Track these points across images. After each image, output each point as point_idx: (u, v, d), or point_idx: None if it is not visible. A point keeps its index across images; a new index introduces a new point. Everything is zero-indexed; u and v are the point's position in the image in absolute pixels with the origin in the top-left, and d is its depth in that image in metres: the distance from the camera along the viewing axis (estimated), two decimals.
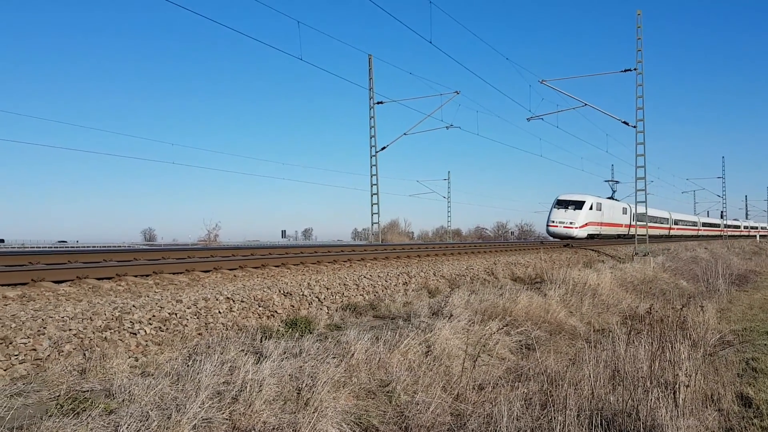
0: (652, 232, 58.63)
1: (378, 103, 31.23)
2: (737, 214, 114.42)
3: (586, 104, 29.89)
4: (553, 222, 42.73)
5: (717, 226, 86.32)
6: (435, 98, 31.46)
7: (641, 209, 31.71)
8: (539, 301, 10.53)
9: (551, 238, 44.45)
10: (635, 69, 27.92)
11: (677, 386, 5.72)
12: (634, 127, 28.53)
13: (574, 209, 42.64)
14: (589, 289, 12.69)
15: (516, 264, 19.21)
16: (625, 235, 50.37)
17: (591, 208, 43.06)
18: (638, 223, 36.08)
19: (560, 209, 43.31)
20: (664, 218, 64.35)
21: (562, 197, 43.72)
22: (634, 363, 6.26)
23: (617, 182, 55.28)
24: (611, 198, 50.34)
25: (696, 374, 6.17)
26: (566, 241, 38.63)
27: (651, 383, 5.62)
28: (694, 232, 76.47)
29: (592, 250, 29.70)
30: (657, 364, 6.11)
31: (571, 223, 41.73)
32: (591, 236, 42.96)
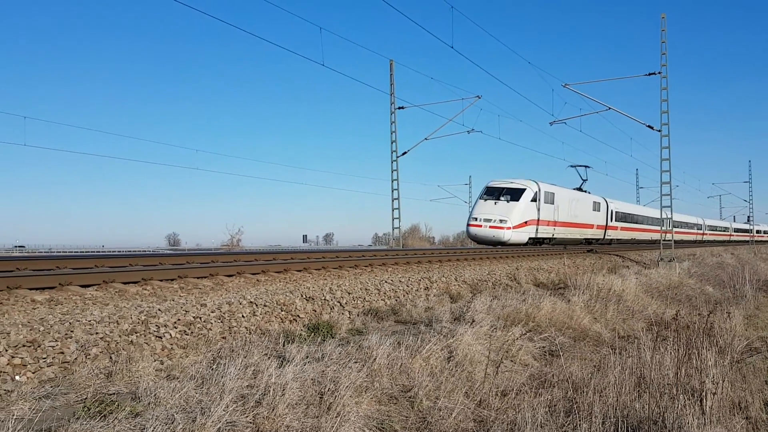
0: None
1: (399, 108, 31.26)
2: (764, 219, 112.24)
3: (610, 108, 29.59)
4: (475, 220, 29.20)
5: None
6: (456, 103, 31.30)
7: (668, 214, 30.95)
8: (563, 306, 10.44)
9: (473, 244, 31.46)
10: (659, 73, 27.61)
11: (704, 393, 5.62)
12: (659, 131, 28.19)
13: (509, 201, 29.21)
14: (614, 294, 12.54)
15: (538, 269, 19.06)
16: (598, 240, 39.37)
17: (534, 200, 29.77)
18: (668, 228, 30.84)
19: (488, 200, 29.65)
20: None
21: (493, 183, 30.51)
22: (660, 370, 6.17)
23: (587, 167, 39.58)
24: (579, 189, 38.08)
25: (723, 381, 6.06)
26: (590, 246, 36.02)
27: (677, 390, 5.54)
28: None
29: (617, 256, 29.35)
30: (683, 370, 6.02)
31: (501, 221, 28.29)
32: (536, 241, 31.01)
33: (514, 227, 28.28)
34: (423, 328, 8.23)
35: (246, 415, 4.50)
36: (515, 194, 29.12)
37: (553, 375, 6.51)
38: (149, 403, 4.61)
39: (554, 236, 32.98)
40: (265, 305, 8.46)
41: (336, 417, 4.64)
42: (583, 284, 13.04)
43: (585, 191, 38.29)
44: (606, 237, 41.48)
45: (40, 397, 4.67)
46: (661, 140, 28.15)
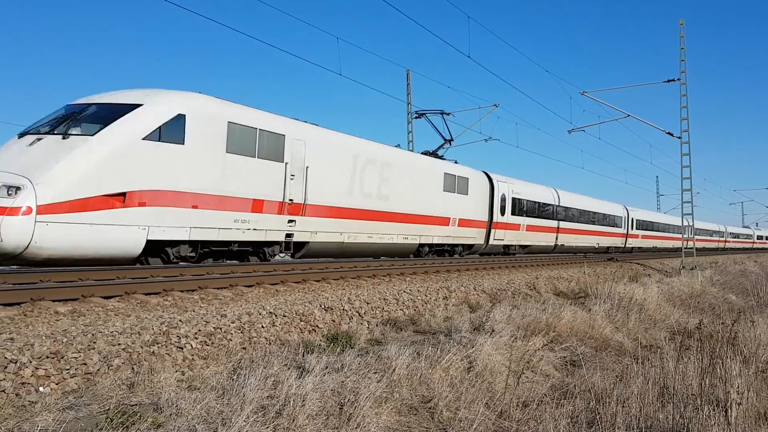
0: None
1: (416, 117, 31.25)
2: None
3: (629, 115, 29.35)
4: None
5: None
6: (474, 111, 30.96)
7: (689, 221, 30.43)
8: (584, 316, 10.34)
9: None
10: (678, 79, 27.35)
11: (729, 404, 5.53)
12: (679, 137, 27.90)
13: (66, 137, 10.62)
14: (636, 303, 12.40)
15: (558, 278, 18.92)
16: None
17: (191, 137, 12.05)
18: (689, 236, 30.39)
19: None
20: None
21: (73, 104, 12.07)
22: (684, 380, 6.09)
23: (444, 114, 25.60)
24: (436, 155, 24.21)
25: (748, 391, 5.96)
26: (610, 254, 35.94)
27: (701, 401, 5.45)
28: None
29: (638, 264, 29.02)
30: (707, 380, 5.93)
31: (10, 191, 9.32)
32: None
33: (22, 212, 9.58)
34: (442, 338, 8.20)
35: (266, 426, 4.51)
36: (101, 119, 11.45)
37: (574, 385, 6.45)
38: (171, 414, 4.64)
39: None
40: (284, 315, 8.49)
41: (356, 428, 4.64)
42: (603, 293, 12.92)
43: (439, 155, 24.38)
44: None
45: (63, 408, 4.72)
46: (681, 147, 27.86)
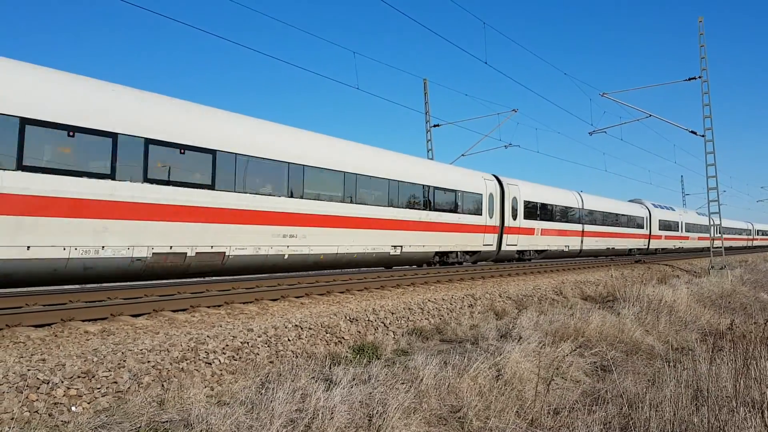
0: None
1: (435, 125, 31.26)
2: None
3: (650, 115, 29.04)
4: None
5: None
6: (492, 118, 30.81)
7: (716, 220, 29.80)
8: (612, 320, 10.20)
9: None
10: (700, 77, 27.02)
11: (765, 405, 5.41)
12: (702, 136, 27.52)
13: None
14: (665, 306, 12.21)
15: (585, 282, 18.70)
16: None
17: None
18: (715, 234, 30.54)
19: None
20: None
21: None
22: (717, 382, 5.96)
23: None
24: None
25: None
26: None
27: (737, 403, 5.34)
28: None
29: (666, 265, 28.59)
30: (742, 382, 5.80)
31: None
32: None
33: None
34: (469, 346, 8.14)
35: None
36: None
37: (606, 391, 6.35)
38: (201, 430, 4.66)
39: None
40: (310, 328, 8.50)
41: None
42: (632, 296, 12.74)
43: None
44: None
45: (95, 427, 4.77)
46: (705, 145, 27.46)
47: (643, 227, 39.21)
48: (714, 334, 9.31)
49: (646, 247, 39.75)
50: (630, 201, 40.73)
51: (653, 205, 41.81)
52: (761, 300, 16.37)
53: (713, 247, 29.77)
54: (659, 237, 41.46)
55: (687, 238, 46.51)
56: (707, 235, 45.36)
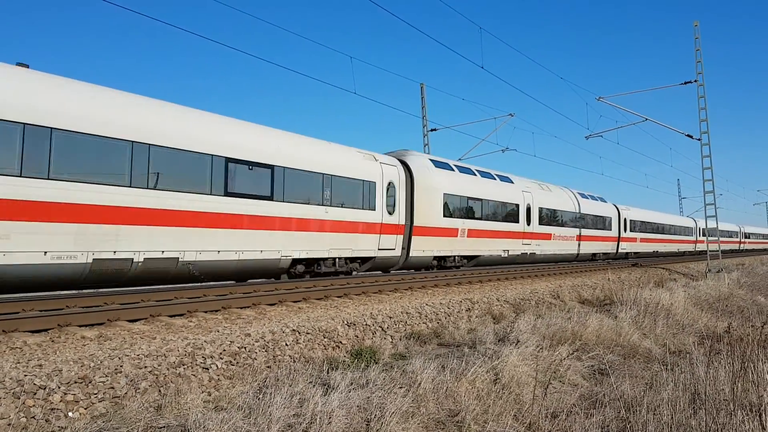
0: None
1: (432, 130, 31.29)
2: None
3: (647, 119, 29.13)
4: None
5: None
6: (489, 122, 30.82)
7: (712, 223, 29.61)
8: (610, 323, 10.21)
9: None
10: (696, 81, 27.12)
11: (763, 408, 5.41)
12: (699, 140, 27.60)
13: None
14: (662, 309, 12.22)
15: (582, 286, 18.72)
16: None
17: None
18: (699, 237, 29.48)
19: None
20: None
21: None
22: (715, 385, 5.97)
23: None
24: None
25: None
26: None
27: (734, 406, 5.34)
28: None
29: (663, 269, 28.64)
30: (739, 385, 5.81)
31: None
32: None
33: None
34: (467, 350, 8.14)
35: None
36: None
37: (603, 394, 6.36)
38: None
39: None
40: (307, 333, 8.49)
41: None
42: (629, 299, 12.76)
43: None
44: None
45: None
46: (701, 149, 27.54)
47: (610, 228, 34.53)
48: (711, 337, 9.32)
49: (615, 251, 35.37)
50: (591, 198, 33.93)
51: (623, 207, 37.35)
52: (758, 303, 16.40)
53: (710, 251, 29.81)
54: (633, 240, 37.55)
55: (667, 240, 43.84)
56: (691, 238, 43.70)
